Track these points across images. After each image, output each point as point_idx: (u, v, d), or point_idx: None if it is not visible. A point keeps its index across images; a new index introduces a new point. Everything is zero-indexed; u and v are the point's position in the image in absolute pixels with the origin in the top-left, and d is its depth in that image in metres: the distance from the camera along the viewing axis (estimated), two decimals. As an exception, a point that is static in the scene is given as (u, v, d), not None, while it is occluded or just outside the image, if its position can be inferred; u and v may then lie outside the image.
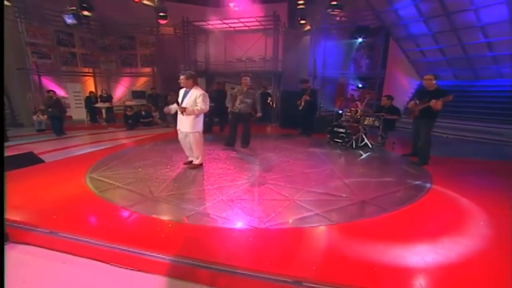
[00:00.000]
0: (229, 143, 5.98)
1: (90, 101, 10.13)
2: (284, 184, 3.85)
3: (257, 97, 5.72)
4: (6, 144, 6.74)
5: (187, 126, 4.15)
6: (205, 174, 4.26)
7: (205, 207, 3.08)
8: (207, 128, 7.87)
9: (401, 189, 3.79)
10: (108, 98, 10.39)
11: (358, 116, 6.31)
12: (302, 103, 7.22)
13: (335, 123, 6.67)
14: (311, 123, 7.72)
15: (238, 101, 5.64)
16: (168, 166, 4.59)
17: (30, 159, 4.83)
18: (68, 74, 10.72)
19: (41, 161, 4.94)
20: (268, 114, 10.63)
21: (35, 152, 5.33)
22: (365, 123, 6.22)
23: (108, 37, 11.16)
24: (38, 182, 3.78)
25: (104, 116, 10.27)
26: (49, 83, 10.63)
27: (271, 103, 10.76)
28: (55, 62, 9.95)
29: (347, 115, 6.61)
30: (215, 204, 3.16)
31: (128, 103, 10.79)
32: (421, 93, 5.07)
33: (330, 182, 3.99)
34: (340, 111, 9.50)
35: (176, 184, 3.82)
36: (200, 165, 4.50)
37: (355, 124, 6.39)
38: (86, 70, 11.17)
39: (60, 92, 10.69)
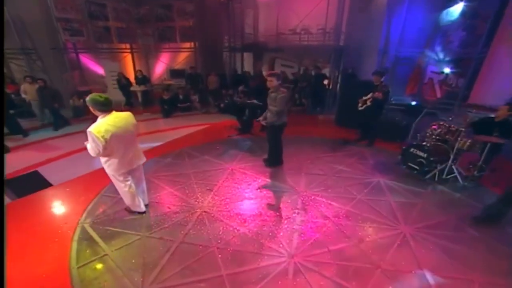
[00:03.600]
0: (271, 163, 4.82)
1: (121, 83, 9.17)
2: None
3: (278, 100, 4.13)
4: (24, 140, 6.26)
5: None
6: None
7: None
8: (246, 128, 6.42)
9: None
10: (144, 80, 9.36)
11: (450, 137, 4.34)
12: (368, 102, 5.36)
13: (414, 143, 4.70)
14: (375, 129, 5.80)
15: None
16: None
17: (35, 182, 3.93)
18: (104, 50, 9.88)
19: (48, 184, 4.07)
20: (323, 100, 8.74)
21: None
22: (461, 146, 4.13)
23: (143, 6, 9.80)
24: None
25: (140, 99, 9.29)
26: (88, 62, 10.00)
27: (328, 85, 8.79)
28: (88, 39, 9.05)
29: (434, 131, 4.58)
30: None
31: (166, 82, 9.72)
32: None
33: None
34: (414, 103, 7.23)
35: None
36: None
37: (442, 145, 4.40)
38: (122, 46, 10.19)
39: (100, 71, 10.06)
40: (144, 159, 3.22)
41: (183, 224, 3.26)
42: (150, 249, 2.87)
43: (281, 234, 3.13)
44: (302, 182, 4.25)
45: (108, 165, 2.92)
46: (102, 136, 2.55)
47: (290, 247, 2.94)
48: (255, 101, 6.38)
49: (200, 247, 2.90)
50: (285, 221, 3.34)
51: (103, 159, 2.90)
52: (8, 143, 5.88)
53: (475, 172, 4.22)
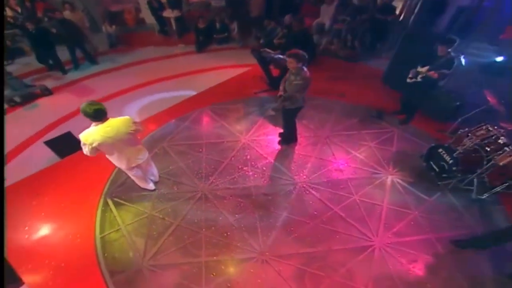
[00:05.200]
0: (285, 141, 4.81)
1: (152, 5, 8.65)
2: None
3: (292, 87, 3.80)
4: (63, 79, 6.65)
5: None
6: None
7: None
8: (275, 85, 5.99)
9: None
10: (177, 2, 8.67)
11: (491, 148, 3.68)
12: (418, 78, 4.43)
13: (445, 145, 4.08)
14: (416, 108, 5.08)
15: None
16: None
17: (69, 144, 4.40)
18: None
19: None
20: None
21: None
22: (498, 162, 3.53)
23: None
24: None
25: (174, 27, 8.89)
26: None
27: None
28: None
29: (476, 134, 3.91)
30: None
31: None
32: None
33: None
34: (500, 58, 5.68)
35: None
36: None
37: (477, 156, 3.79)
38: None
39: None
40: (145, 156, 3.37)
41: (184, 205, 3.76)
42: (154, 227, 3.51)
43: (260, 230, 3.49)
44: (306, 170, 4.30)
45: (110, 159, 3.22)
46: (90, 144, 2.76)
47: (264, 244, 3.34)
48: (282, 56, 5.78)
49: (192, 231, 3.47)
50: (270, 217, 3.64)
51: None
52: (48, 82, 6.41)
53: (500, 187, 3.76)
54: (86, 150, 2.81)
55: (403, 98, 5.23)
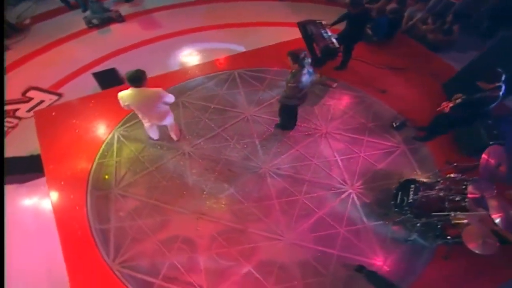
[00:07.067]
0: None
1: None
2: None
3: (288, 88, 3.78)
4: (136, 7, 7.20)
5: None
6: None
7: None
8: (317, 63, 5.45)
9: None
10: None
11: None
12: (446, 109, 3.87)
13: (424, 182, 3.80)
14: (439, 130, 4.48)
15: None
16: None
17: (112, 78, 5.31)
18: None
19: (120, 83, 5.26)
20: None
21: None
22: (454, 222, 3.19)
23: None
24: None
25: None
26: None
27: None
28: None
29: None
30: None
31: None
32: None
33: None
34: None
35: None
36: None
37: (438, 205, 3.35)
38: None
39: None
40: (167, 122, 3.95)
41: (164, 157, 4.44)
42: (136, 166, 4.35)
43: (205, 195, 4.07)
44: (279, 159, 4.46)
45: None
46: (123, 102, 3.40)
47: (202, 206, 3.95)
48: (333, 40, 5.17)
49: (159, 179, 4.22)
50: (219, 189, 4.13)
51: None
52: (122, 9, 7.15)
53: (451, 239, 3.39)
54: (121, 105, 3.46)
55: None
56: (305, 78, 3.59)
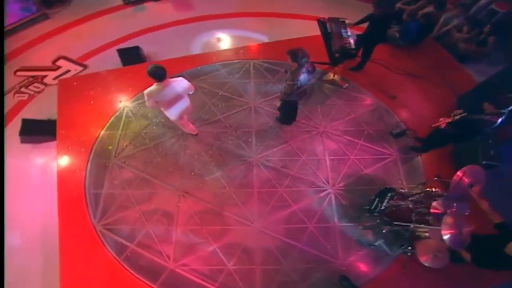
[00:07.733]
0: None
1: None
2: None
3: (286, 86, 3.84)
4: None
5: None
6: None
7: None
8: (334, 62, 5.30)
9: None
10: None
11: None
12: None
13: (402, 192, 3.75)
14: (433, 145, 4.38)
15: None
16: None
17: (134, 56, 5.59)
18: None
19: (142, 61, 5.61)
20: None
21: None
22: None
23: None
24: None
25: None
26: None
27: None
28: None
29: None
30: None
31: None
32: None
33: None
34: None
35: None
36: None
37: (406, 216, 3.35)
38: None
39: None
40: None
41: (164, 136, 4.66)
42: (137, 140, 4.62)
43: (193, 176, 4.29)
44: (270, 152, 4.51)
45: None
46: (150, 95, 3.35)
47: (187, 185, 4.19)
48: (351, 40, 4.91)
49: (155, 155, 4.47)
50: (208, 173, 4.31)
51: None
52: None
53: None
54: (147, 104, 3.44)
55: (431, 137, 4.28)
56: (303, 77, 3.62)
